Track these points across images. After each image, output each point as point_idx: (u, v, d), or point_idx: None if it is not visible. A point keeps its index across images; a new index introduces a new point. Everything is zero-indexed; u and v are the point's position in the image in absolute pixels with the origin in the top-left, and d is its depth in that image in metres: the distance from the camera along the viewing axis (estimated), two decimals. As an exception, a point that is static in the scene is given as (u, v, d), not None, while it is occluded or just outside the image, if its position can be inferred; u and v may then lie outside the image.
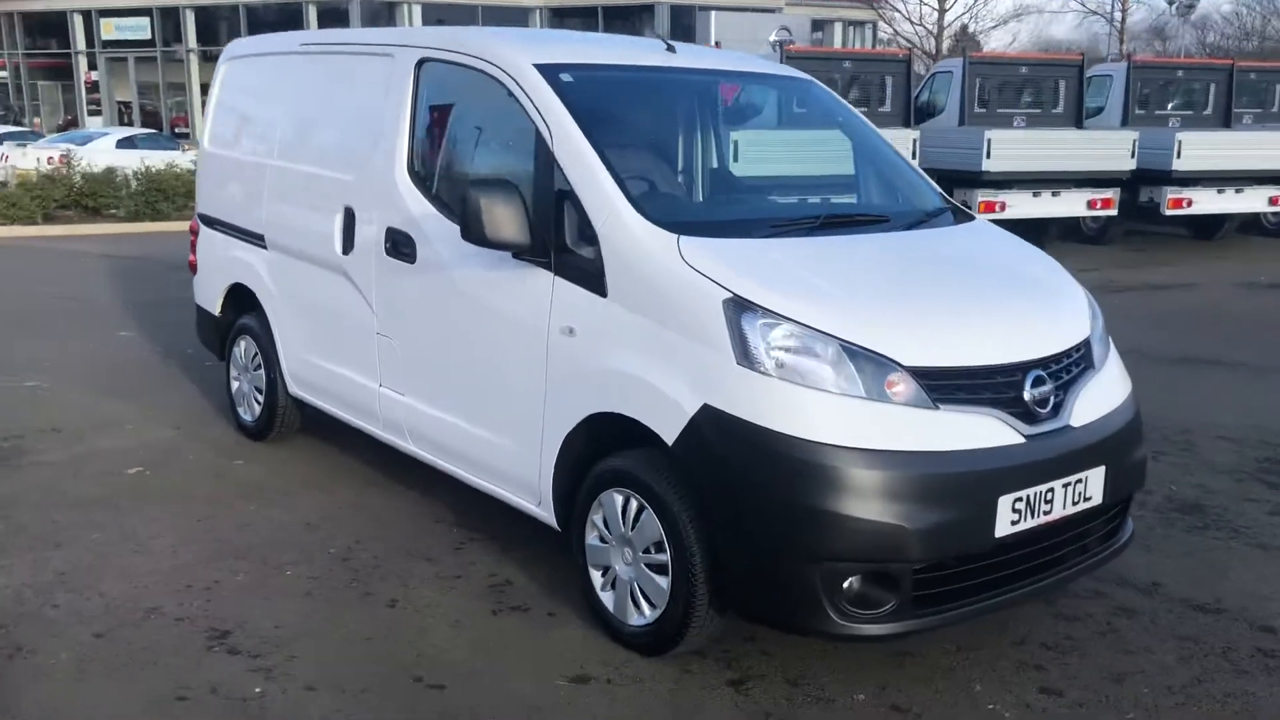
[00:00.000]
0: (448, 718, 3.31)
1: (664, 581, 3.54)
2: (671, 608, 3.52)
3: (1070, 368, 3.68)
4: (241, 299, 5.78)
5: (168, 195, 16.76)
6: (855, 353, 3.30)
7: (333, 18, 33.57)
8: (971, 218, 4.53)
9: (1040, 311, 3.84)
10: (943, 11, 40.70)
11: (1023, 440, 3.41)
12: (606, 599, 3.78)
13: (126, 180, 17.09)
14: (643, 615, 3.64)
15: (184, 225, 8.41)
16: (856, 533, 3.19)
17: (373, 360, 4.77)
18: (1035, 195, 14.34)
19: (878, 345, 3.32)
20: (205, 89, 35.91)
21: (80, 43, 38.66)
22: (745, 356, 3.30)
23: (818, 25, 37.57)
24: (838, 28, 41.81)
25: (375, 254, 4.62)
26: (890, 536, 3.19)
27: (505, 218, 3.77)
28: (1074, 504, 3.55)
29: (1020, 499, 3.37)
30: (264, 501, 5.02)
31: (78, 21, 38.56)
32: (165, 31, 37.82)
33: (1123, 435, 3.77)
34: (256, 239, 5.55)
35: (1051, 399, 3.53)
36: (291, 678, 3.50)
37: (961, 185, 13.81)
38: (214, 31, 36.58)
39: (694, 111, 4.76)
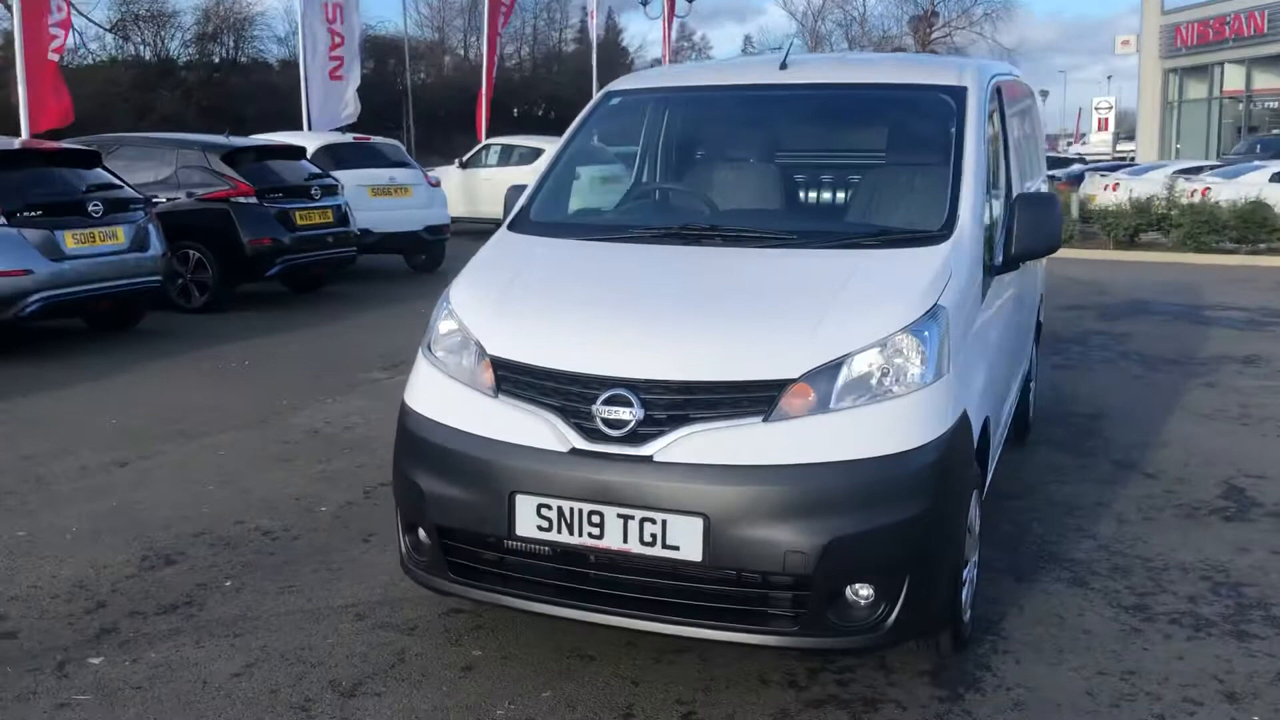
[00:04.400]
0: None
1: None
2: None
3: (705, 405, 3.24)
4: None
5: (1215, 227, 16.55)
6: (472, 341, 3.65)
7: None
8: (934, 243, 3.72)
9: (702, 338, 3.36)
10: None
11: (566, 451, 3.31)
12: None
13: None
14: None
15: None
16: (400, 487, 3.69)
17: None
18: None
19: (482, 336, 3.61)
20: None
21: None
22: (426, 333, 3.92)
23: None
24: None
25: None
26: (413, 495, 3.59)
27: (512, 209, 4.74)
28: (644, 544, 3.23)
29: (548, 506, 3.31)
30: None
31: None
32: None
33: (753, 498, 3.14)
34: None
35: (633, 423, 3.26)
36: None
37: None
38: None
39: (735, 126, 4.65)
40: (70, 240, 8.84)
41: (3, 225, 8.48)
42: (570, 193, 4.62)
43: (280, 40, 51.14)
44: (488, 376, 3.53)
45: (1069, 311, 11.20)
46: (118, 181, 9.70)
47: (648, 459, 3.23)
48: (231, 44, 50.40)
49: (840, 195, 4.38)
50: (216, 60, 49.40)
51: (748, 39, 77.27)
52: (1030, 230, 4.01)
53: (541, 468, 3.32)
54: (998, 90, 4.79)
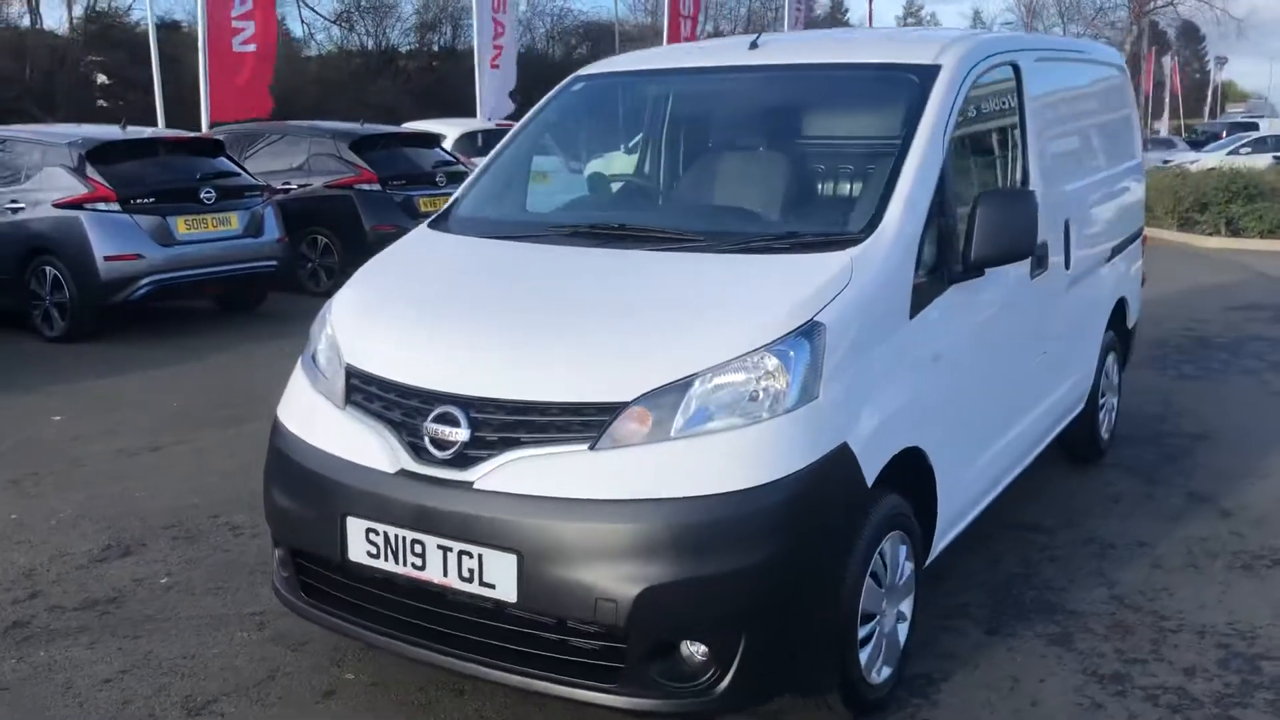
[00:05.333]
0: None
1: None
2: None
3: (535, 427, 2.92)
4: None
5: None
6: (337, 349, 3.42)
7: None
8: (843, 247, 3.22)
9: (543, 353, 3.05)
10: None
11: (394, 472, 3.04)
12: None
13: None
14: None
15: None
16: (264, 501, 3.49)
17: None
18: None
19: (344, 343, 3.39)
20: None
21: None
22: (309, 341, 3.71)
23: None
24: None
25: None
26: (269, 510, 3.43)
27: None
28: (464, 580, 2.94)
29: (376, 532, 3.06)
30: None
31: None
32: None
33: (566, 536, 2.79)
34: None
35: (459, 444, 2.96)
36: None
37: None
38: None
39: (693, 112, 4.21)
40: (182, 226, 9.17)
41: (117, 212, 8.88)
42: (519, 186, 4.33)
43: (498, 28, 52.83)
44: (340, 386, 3.31)
45: (1235, 312, 9.99)
46: (236, 169, 10.01)
47: (468, 485, 2.93)
48: (449, 32, 52.13)
49: (775, 189, 3.88)
50: (435, 49, 51.21)
51: (977, 14, 74.57)
52: (993, 232, 3.45)
53: (370, 489, 3.08)
54: (1013, 68, 4.19)
